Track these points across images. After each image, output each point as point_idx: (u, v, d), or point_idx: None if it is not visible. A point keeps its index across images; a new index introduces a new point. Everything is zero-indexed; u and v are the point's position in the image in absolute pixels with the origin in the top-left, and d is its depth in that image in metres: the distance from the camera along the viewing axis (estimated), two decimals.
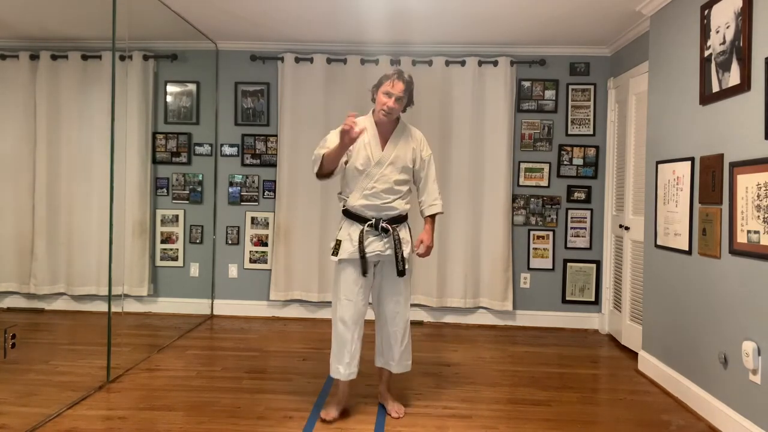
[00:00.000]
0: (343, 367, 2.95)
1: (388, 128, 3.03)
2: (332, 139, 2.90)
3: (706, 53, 3.16)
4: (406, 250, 2.99)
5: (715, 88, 3.07)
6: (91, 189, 5.00)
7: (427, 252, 3.08)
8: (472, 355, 4.22)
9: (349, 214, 3.00)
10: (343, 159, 2.93)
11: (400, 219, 3.03)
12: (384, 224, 2.94)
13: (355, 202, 2.96)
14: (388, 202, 2.96)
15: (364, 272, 2.92)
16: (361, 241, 2.91)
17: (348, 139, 2.72)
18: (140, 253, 5.04)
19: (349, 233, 2.95)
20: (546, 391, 3.48)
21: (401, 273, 2.96)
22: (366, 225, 2.94)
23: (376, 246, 2.93)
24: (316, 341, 4.44)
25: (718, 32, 3.05)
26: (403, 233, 3.02)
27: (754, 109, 2.72)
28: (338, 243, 2.97)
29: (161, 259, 5.21)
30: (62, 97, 5.05)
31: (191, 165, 5.21)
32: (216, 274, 5.24)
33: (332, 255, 2.97)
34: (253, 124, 5.20)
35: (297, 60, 5.07)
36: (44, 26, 4.72)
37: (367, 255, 2.92)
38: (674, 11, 3.57)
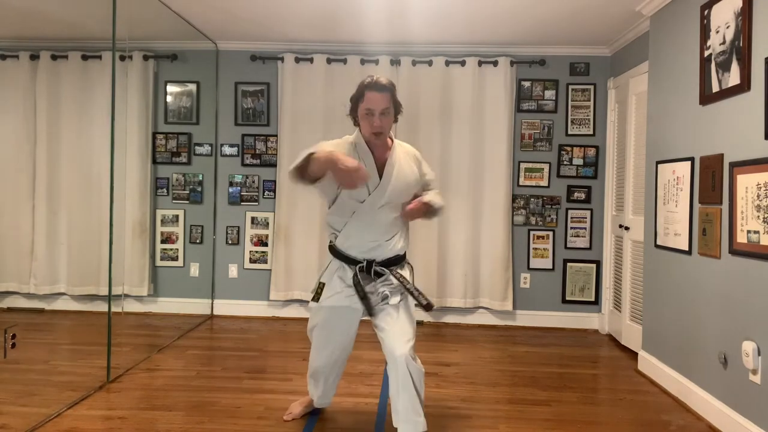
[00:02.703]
0: (316, 397, 2.94)
1: (382, 150, 2.56)
2: (326, 148, 2.41)
3: (706, 53, 3.16)
4: (397, 292, 2.54)
5: (715, 88, 3.07)
6: (91, 189, 5.00)
7: (416, 212, 2.52)
8: (472, 355, 4.22)
9: (337, 253, 2.61)
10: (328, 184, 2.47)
11: (398, 260, 2.62)
12: (378, 267, 2.53)
13: (348, 240, 2.57)
14: (388, 240, 2.56)
15: (370, 313, 2.53)
16: (357, 284, 2.51)
17: (348, 180, 2.24)
18: (140, 253, 5.04)
19: (339, 276, 2.58)
20: (546, 391, 3.48)
21: (428, 306, 2.49)
22: (357, 267, 2.54)
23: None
24: None
25: (718, 32, 3.05)
26: (400, 272, 2.60)
27: (754, 109, 2.72)
28: (321, 286, 2.61)
29: (161, 259, 5.21)
30: (62, 97, 5.05)
31: (191, 165, 5.21)
32: (216, 274, 5.24)
33: (312, 300, 2.63)
34: (253, 124, 5.20)
35: (297, 60, 5.07)
36: (44, 26, 4.72)
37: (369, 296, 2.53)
38: (674, 11, 3.57)
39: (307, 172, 2.39)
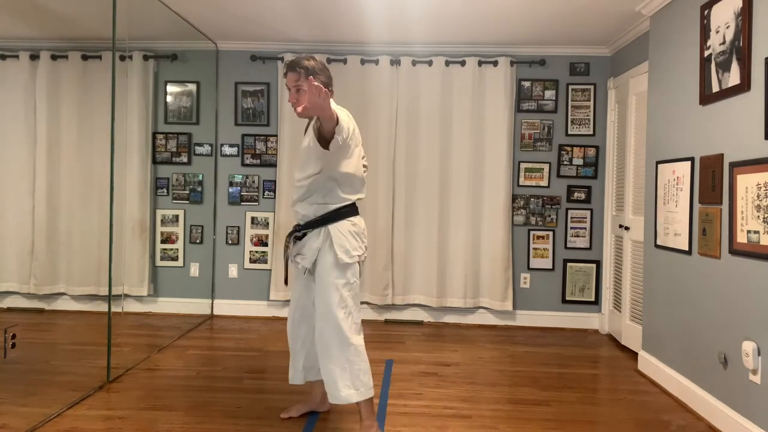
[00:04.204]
0: (291, 369, 2.97)
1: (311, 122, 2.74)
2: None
3: (706, 53, 3.16)
4: (309, 258, 2.67)
5: (715, 88, 3.07)
6: (91, 189, 4.99)
7: (301, 105, 2.49)
8: (472, 355, 4.22)
9: None
10: None
11: (314, 224, 2.67)
12: (294, 229, 2.75)
13: None
14: (295, 203, 2.72)
15: (285, 281, 2.91)
16: (287, 247, 2.78)
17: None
18: (140, 253, 5.04)
19: None
20: (546, 391, 3.48)
21: (285, 281, 2.88)
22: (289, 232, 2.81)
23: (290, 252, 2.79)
24: None
25: (718, 32, 3.05)
26: (314, 240, 2.67)
27: (754, 109, 2.72)
28: None
29: (161, 259, 5.21)
30: (62, 97, 5.04)
31: (191, 165, 5.21)
32: (216, 274, 5.24)
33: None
34: (253, 124, 5.21)
35: None
36: (44, 26, 4.72)
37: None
38: (674, 11, 3.57)
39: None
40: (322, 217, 2.66)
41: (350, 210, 2.70)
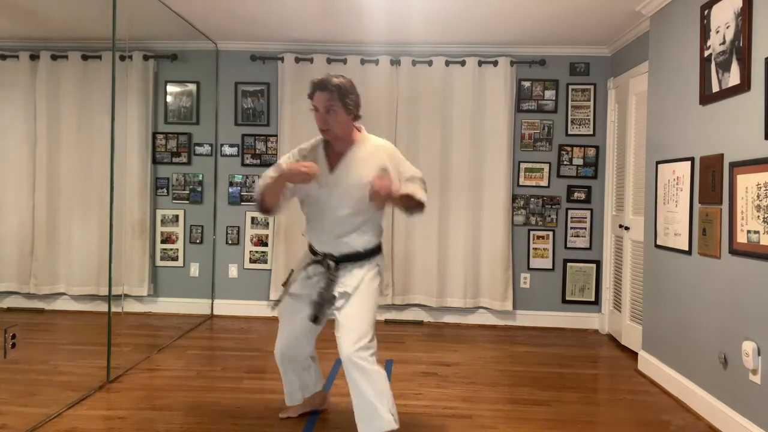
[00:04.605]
0: (287, 392, 2.92)
1: (343, 145, 2.58)
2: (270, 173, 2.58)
3: (706, 53, 3.16)
4: (351, 284, 2.53)
5: (715, 88, 3.07)
6: (91, 189, 4.99)
7: (382, 190, 2.34)
8: (472, 355, 4.22)
9: (311, 249, 2.70)
10: (287, 195, 2.58)
11: (358, 257, 2.59)
12: (330, 261, 2.57)
13: (310, 233, 2.67)
14: (340, 236, 2.56)
15: (314, 318, 2.55)
16: (319, 281, 2.59)
17: (299, 178, 2.40)
18: (140, 253, 5.04)
19: (304, 265, 2.69)
20: (546, 391, 3.48)
21: (314, 319, 2.54)
22: (312, 260, 2.64)
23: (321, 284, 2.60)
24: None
25: (718, 32, 3.05)
26: (358, 271, 2.56)
27: (754, 109, 2.72)
28: (291, 273, 2.75)
29: (161, 259, 5.21)
30: (62, 97, 5.04)
31: (191, 165, 5.21)
32: (216, 274, 5.24)
33: (282, 285, 2.74)
34: (253, 124, 5.21)
35: (297, 60, 5.07)
36: (44, 26, 4.72)
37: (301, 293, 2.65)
38: (674, 11, 3.57)
39: (266, 205, 2.57)
40: (373, 248, 2.64)
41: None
